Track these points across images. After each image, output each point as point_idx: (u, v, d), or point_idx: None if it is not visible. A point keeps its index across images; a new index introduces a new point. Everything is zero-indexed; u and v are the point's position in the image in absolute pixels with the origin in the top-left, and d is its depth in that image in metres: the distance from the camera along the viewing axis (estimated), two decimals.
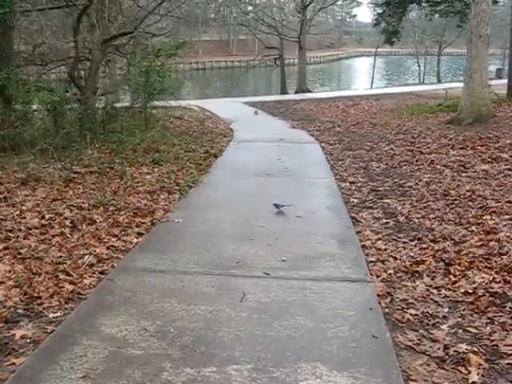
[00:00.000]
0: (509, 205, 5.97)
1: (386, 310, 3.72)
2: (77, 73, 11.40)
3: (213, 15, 51.61)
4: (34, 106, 10.09)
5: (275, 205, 6.03)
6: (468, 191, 6.66)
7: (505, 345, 3.20)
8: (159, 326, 3.41)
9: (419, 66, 40.33)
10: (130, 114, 11.93)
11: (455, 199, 6.40)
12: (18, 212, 5.74)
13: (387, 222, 5.74)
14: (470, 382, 2.87)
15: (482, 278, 4.13)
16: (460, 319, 3.57)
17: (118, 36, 12.15)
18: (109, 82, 14.33)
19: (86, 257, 4.59)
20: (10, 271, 4.25)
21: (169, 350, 3.11)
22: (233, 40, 69.46)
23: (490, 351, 3.17)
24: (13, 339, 3.30)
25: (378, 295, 3.92)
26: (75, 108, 10.45)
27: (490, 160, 8.50)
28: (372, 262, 4.61)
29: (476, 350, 3.17)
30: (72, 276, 4.22)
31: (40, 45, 11.60)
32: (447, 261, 4.51)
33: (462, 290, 3.98)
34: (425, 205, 6.28)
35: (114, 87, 13.40)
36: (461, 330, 3.42)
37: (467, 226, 5.42)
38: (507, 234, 4.97)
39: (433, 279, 4.22)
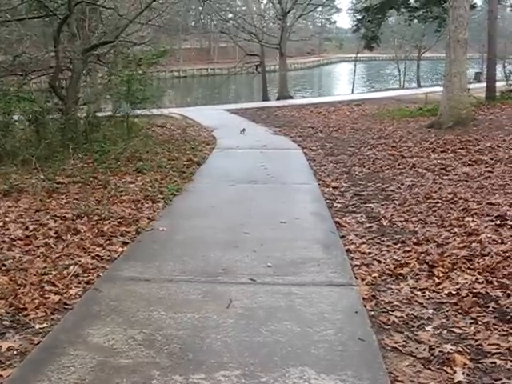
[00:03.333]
0: (490, 206, 6.05)
1: (372, 312, 3.75)
2: (58, 82, 11.35)
3: (193, 23, 51.65)
4: (15, 117, 10.01)
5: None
6: (450, 194, 6.73)
7: (489, 344, 3.25)
8: (146, 334, 3.40)
9: (399, 70, 40.66)
10: (112, 123, 11.90)
11: (437, 202, 6.47)
12: (1, 223, 5.70)
13: (371, 226, 5.78)
14: (455, 381, 2.90)
15: (465, 279, 4.18)
16: (444, 320, 3.61)
17: (99, 45, 12.17)
18: (90, 92, 14.26)
19: (72, 267, 4.56)
20: None
21: (157, 358, 3.11)
22: (214, 48, 69.33)
23: (475, 351, 3.21)
24: None
25: (364, 298, 3.95)
26: (57, 118, 10.42)
27: (470, 163, 8.62)
28: (357, 265, 4.64)
29: (461, 349, 3.21)
30: (58, 286, 4.19)
31: (20, 55, 11.50)
32: (431, 263, 4.56)
33: (446, 292, 4.02)
34: (407, 208, 6.33)
35: (96, 96, 13.35)
36: (445, 331, 3.46)
37: (449, 228, 5.49)
38: (489, 235, 5.05)
39: (417, 281, 4.27)
